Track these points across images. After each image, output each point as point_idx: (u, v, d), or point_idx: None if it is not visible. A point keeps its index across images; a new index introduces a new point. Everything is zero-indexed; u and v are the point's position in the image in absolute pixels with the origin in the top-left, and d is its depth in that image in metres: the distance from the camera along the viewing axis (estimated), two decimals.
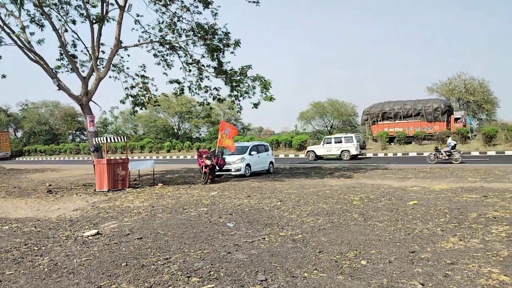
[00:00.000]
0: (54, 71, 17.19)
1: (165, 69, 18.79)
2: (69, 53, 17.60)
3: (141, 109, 20.18)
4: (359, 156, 29.37)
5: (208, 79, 18.43)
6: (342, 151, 28.18)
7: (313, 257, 5.49)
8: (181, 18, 17.67)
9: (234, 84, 17.29)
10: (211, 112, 58.74)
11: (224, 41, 17.24)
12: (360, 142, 29.21)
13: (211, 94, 18.42)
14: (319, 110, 60.36)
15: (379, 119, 38.85)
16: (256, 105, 17.25)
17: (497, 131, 32.28)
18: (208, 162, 16.20)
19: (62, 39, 16.95)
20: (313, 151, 30.13)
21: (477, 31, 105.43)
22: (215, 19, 17.23)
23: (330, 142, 28.84)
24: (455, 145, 22.52)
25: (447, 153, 21.85)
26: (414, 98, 40.83)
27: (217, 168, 17.05)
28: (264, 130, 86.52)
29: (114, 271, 5.21)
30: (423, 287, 4.36)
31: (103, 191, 14.31)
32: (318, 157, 29.85)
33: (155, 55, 18.64)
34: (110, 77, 19.35)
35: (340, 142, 28.48)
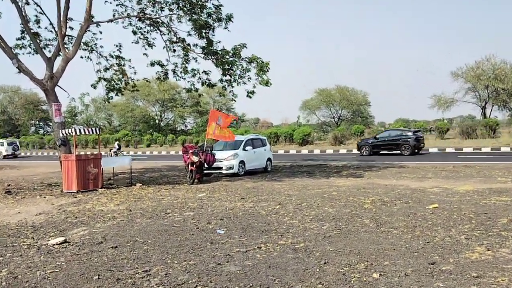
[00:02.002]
0: (13, 51, 17.06)
1: (145, 49, 18.73)
2: (32, 31, 17.46)
3: (116, 95, 20.11)
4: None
5: (196, 61, 18.37)
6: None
7: (317, 269, 5.51)
8: None
9: (226, 66, 17.23)
10: (199, 100, 58.58)
11: (214, 16, 17.16)
12: (13, 146, 48.22)
13: (200, 79, 18.36)
14: (326, 98, 60.40)
15: None
16: (251, 94, 17.22)
17: None
18: (195, 158, 16.18)
19: (23, 13, 16.80)
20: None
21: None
22: None
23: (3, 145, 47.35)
24: (119, 147, 35.64)
25: (114, 153, 34.12)
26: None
27: (206, 165, 17.04)
28: (261, 122, 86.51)
29: (84, 286, 5.21)
30: None
31: (72, 192, 14.28)
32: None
33: (133, 32, 18.55)
34: (81, 57, 19.29)
35: (3, 145, 47.23)
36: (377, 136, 30.27)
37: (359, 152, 30.07)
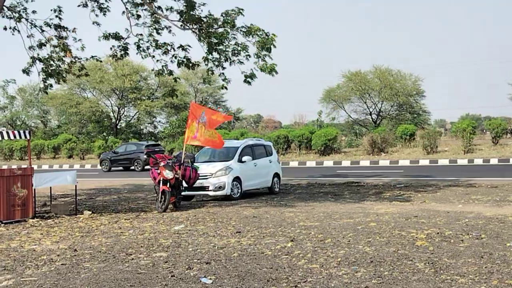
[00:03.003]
0: None
1: (97, 16, 18.73)
2: None
3: (57, 82, 20.04)
4: None
5: (170, 31, 18.29)
6: None
7: None
8: None
9: (213, 40, 17.17)
10: (174, 88, 58.29)
11: None
12: None
13: (175, 57, 18.30)
14: (359, 85, 59.94)
15: None
16: (250, 78, 17.10)
17: None
18: (168, 174, 16.11)
19: None
20: None
21: None
22: None
23: None
24: None
25: None
26: None
27: (185, 184, 16.99)
28: (265, 120, 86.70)
29: None
30: None
31: None
32: None
33: None
34: (5, 28, 19.31)
35: None
36: (116, 150, 41.46)
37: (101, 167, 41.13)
